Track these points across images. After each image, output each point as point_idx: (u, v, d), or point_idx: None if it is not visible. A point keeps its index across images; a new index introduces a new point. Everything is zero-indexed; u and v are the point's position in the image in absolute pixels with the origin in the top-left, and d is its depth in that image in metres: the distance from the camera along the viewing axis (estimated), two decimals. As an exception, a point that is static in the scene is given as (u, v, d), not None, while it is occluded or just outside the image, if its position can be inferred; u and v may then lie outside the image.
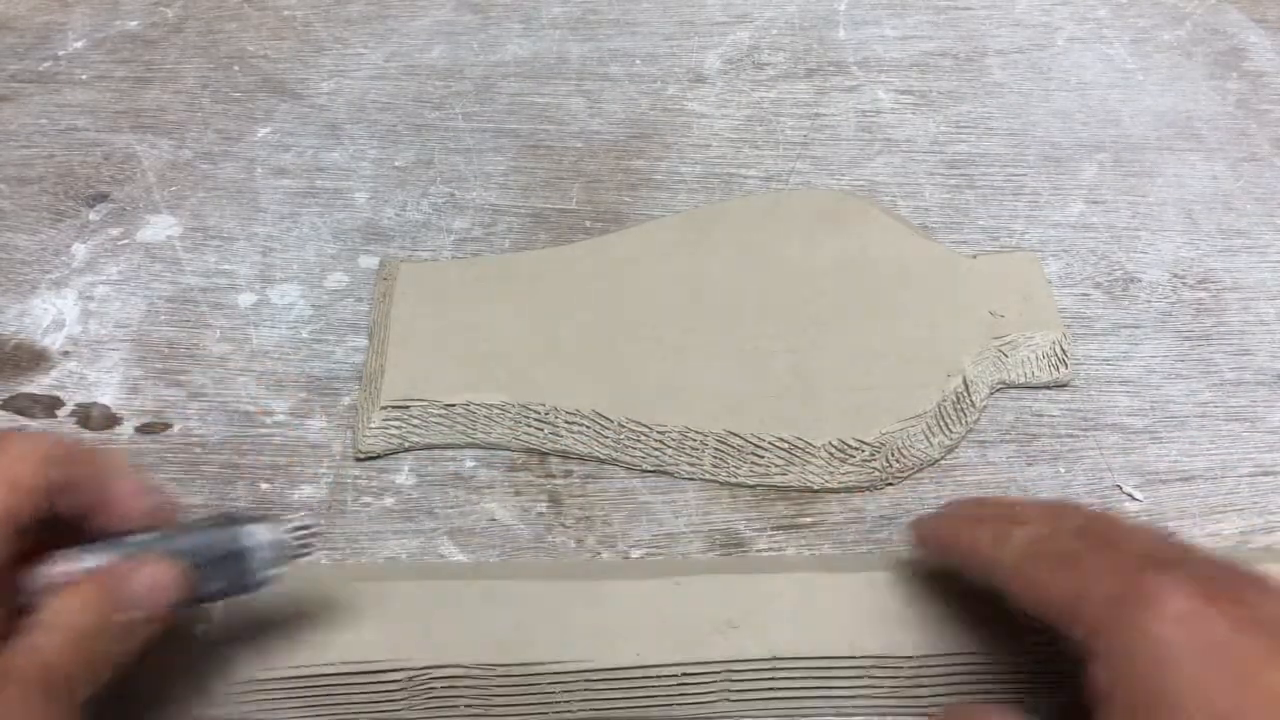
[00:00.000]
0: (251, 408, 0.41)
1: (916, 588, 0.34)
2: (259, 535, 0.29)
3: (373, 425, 0.39)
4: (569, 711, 0.33)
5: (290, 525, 0.30)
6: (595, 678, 0.33)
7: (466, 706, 0.33)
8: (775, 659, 0.33)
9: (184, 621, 0.34)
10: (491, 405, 0.40)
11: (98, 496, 0.28)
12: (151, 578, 0.28)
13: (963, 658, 0.33)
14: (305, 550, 0.30)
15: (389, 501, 0.38)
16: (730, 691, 0.33)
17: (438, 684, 0.33)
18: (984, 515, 0.31)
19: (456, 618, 0.34)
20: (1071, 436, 0.40)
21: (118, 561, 0.28)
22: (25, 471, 0.27)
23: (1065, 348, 0.42)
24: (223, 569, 0.29)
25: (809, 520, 0.38)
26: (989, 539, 0.29)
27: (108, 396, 0.41)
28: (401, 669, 0.33)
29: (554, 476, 0.39)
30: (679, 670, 0.33)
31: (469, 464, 0.39)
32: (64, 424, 0.40)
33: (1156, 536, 0.28)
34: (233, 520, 0.29)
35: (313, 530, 0.30)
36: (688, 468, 0.39)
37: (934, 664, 0.33)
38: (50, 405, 0.41)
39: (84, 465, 0.28)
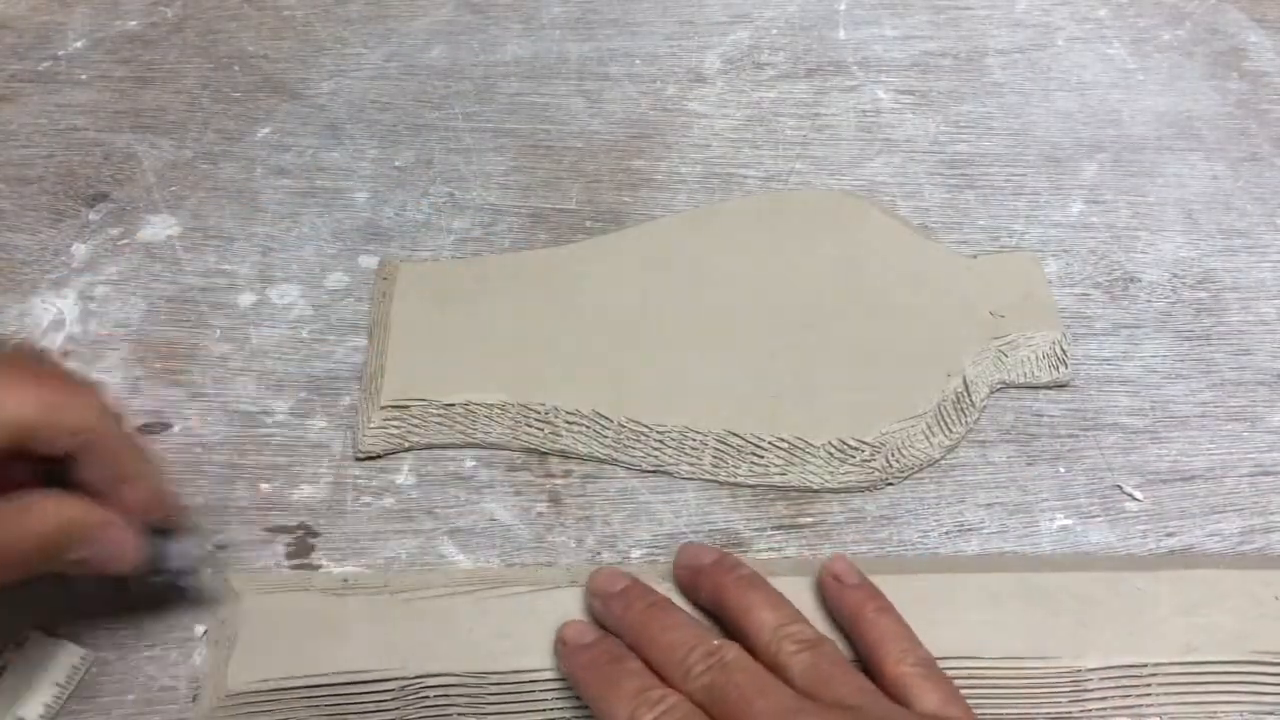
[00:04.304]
0: (252, 408, 0.41)
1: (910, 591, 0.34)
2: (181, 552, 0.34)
3: (373, 425, 0.39)
4: (561, 719, 0.33)
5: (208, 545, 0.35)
6: None
7: (459, 715, 0.33)
8: None
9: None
10: (491, 405, 0.40)
11: (109, 487, 0.30)
12: (122, 543, 0.30)
13: (963, 660, 0.33)
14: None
15: (389, 501, 0.38)
16: None
17: (430, 693, 0.33)
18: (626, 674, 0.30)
19: (449, 626, 0.34)
20: (1071, 436, 0.40)
21: (113, 504, 0.30)
22: (71, 423, 0.29)
23: (1065, 348, 0.42)
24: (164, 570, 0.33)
25: (809, 520, 0.38)
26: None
27: (108, 396, 0.41)
28: (394, 678, 0.33)
29: (554, 476, 0.39)
30: None
31: (469, 464, 0.39)
32: (64, 424, 0.40)
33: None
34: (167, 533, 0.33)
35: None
36: (688, 468, 0.39)
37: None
38: (50, 405, 0.41)
39: (109, 459, 0.30)
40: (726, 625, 0.32)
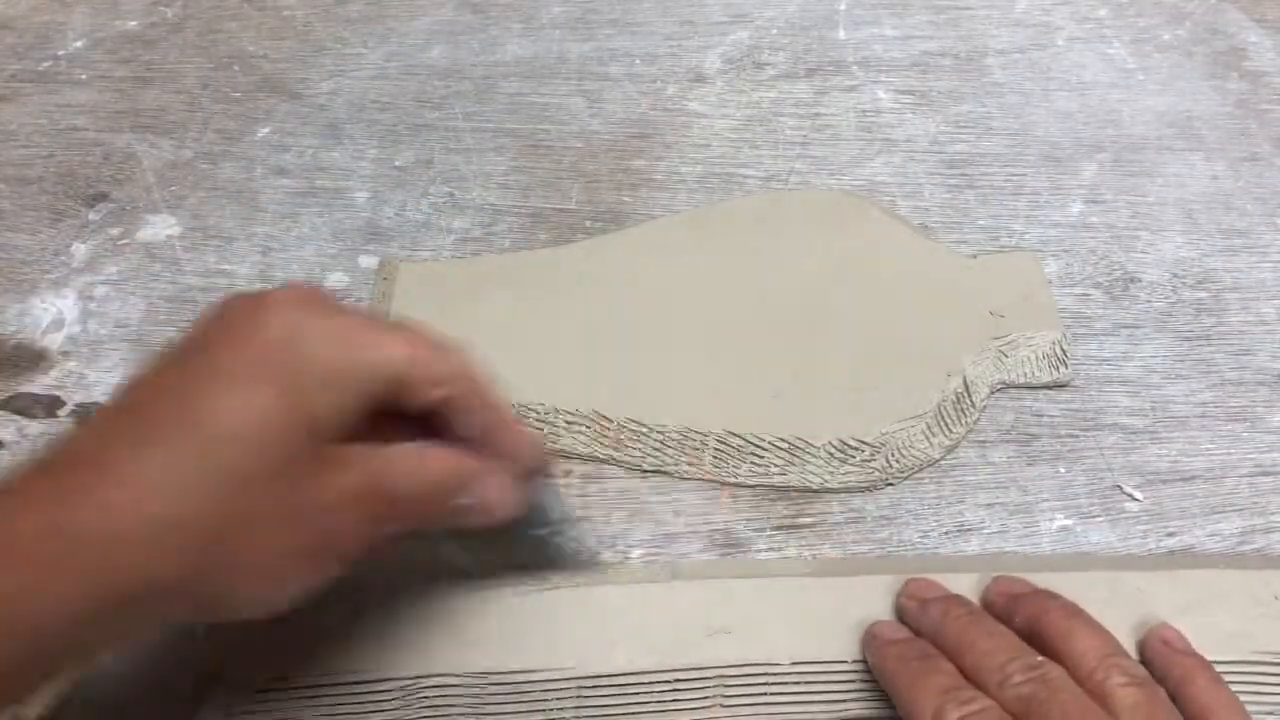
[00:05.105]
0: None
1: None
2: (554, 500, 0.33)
3: (372, 425, 0.39)
4: (561, 719, 0.33)
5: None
6: (587, 685, 0.33)
7: (459, 715, 0.33)
8: (769, 665, 0.33)
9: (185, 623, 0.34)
10: (491, 405, 0.40)
11: (482, 436, 0.30)
12: (503, 489, 0.30)
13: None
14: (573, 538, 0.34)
15: (389, 501, 0.38)
16: (723, 698, 0.33)
17: (430, 693, 0.33)
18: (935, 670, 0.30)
19: (448, 626, 0.34)
20: (1072, 436, 0.40)
21: (488, 455, 0.30)
22: (438, 373, 0.29)
23: (1065, 348, 0.42)
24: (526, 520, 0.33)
25: (809, 520, 0.38)
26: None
27: (108, 396, 0.41)
28: (393, 678, 0.33)
29: (554, 477, 0.39)
30: (671, 676, 0.33)
31: (469, 464, 0.39)
32: (64, 424, 0.41)
33: None
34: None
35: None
36: (688, 468, 0.39)
37: None
38: (51, 405, 0.41)
39: (478, 409, 0.30)
40: (1044, 650, 0.31)
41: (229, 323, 0.28)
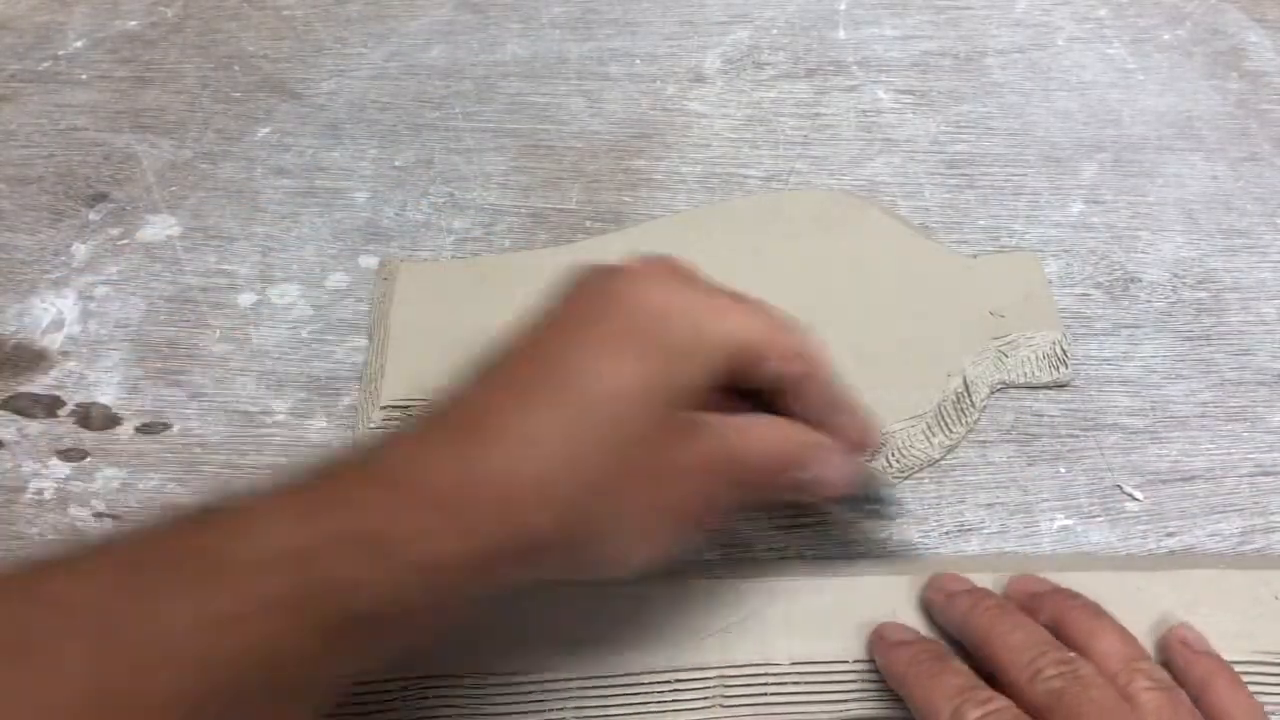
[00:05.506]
0: (252, 408, 0.41)
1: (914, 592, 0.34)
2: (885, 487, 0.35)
3: (373, 425, 0.39)
4: (561, 719, 0.33)
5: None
6: (588, 685, 0.33)
7: (459, 715, 0.33)
8: (769, 665, 0.33)
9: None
10: (491, 405, 0.40)
11: (821, 413, 0.31)
12: (841, 466, 0.31)
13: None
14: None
15: (389, 501, 0.38)
16: (724, 698, 0.33)
17: (431, 693, 0.33)
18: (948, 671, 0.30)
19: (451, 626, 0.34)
20: (1072, 436, 0.40)
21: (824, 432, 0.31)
22: (787, 349, 0.30)
23: (1065, 348, 0.42)
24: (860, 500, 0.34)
25: (809, 520, 0.38)
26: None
27: (108, 396, 0.41)
28: (395, 679, 0.33)
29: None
30: (671, 676, 0.33)
31: (469, 464, 0.39)
32: (64, 424, 0.41)
33: None
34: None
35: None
36: (688, 468, 0.39)
37: None
38: (50, 405, 0.41)
39: (821, 387, 0.31)
40: (1068, 647, 0.31)
41: (602, 293, 0.29)
